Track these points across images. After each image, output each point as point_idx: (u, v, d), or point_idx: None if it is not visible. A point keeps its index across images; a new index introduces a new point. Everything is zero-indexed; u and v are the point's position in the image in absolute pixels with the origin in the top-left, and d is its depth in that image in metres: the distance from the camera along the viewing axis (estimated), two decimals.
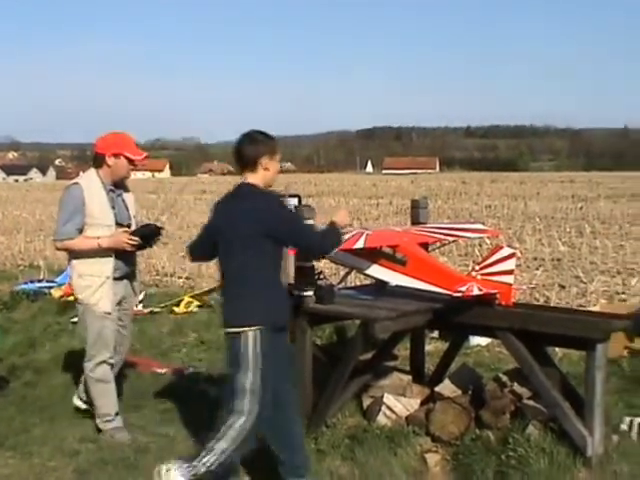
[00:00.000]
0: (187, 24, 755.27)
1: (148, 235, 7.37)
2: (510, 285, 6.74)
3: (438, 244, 8.23)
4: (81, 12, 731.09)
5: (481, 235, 8.36)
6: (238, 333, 5.84)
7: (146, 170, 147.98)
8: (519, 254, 19.52)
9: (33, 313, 12.95)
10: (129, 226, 7.45)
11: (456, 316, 6.87)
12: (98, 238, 7.18)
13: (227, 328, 5.92)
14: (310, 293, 7.00)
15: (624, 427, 6.89)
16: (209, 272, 17.36)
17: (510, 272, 6.76)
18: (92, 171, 7.40)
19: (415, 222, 8.11)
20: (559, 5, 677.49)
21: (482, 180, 64.29)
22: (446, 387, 7.17)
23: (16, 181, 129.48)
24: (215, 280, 15.79)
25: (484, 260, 6.98)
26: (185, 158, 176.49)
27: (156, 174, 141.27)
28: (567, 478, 6.06)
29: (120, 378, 8.93)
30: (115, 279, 7.38)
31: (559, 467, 6.11)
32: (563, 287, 14.86)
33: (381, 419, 7.13)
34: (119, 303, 7.53)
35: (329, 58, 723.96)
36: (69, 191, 7.37)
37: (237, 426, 5.83)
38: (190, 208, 39.08)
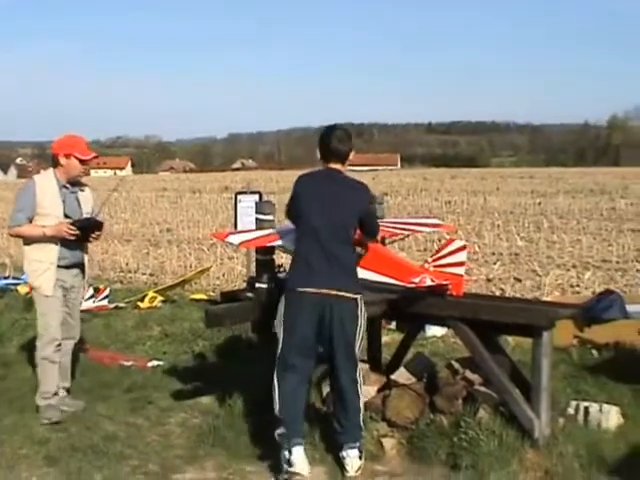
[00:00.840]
0: (150, 22, 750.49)
1: (87, 227, 7.95)
2: (461, 276, 7.07)
3: (394, 238, 8.51)
4: (41, 9, 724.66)
5: (437, 229, 8.68)
6: (354, 299, 6.49)
7: (108, 168, 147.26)
8: (477, 249, 19.97)
9: (0, 309, 13.12)
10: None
11: (410, 307, 7.15)
12: (44, 227, 7.79)
13: (341, 292, 6.45)
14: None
15: (571, 411, 7.23)
16: (172, 268, 17.66)
17: (461, 264, 7.09)
18: (50, 170, 8.11)
19: None
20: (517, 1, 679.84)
21: (443, 176, 64.58)
22: (401, 375, 7.44)
23: None
24: (177, 277, 16.09)
25: (437, 252, 7.30)
26: (146, 156, 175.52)
27: (118, 172, 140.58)
28: (515, 459, 6.38)
29: (87, 370, 9.24)
30: (61, 267, 7.95)
31: (508, 448, 6.43)
32: (519, 280, 15.25)
33: None
34: (67, 291, 8.07)
35: (290, 54, 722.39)
36: (25, 186, 8.15)
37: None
38: (152, 205, 39.18)
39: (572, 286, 14.76)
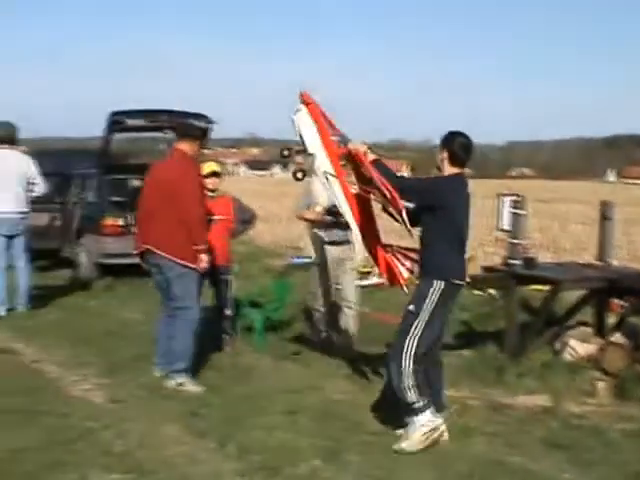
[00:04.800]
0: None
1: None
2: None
3: None
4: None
5: None
6: None
7: None
8: None
9: (305, 280, 15.73)
10: None
11: (623, 284, 9.32)
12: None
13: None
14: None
15: None
16: None
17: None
18: None
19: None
20: None
21: None
22: (618, 338, 9.55)
23: (261, 176, 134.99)
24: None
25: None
26: (424, 160, 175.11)
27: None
28: None
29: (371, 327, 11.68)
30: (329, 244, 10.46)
31: None
32: None
33: (566, 356, 9.58)
34: (338, 263, 10.50)
35: (573, 61, 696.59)
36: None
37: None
38: None
39: None
